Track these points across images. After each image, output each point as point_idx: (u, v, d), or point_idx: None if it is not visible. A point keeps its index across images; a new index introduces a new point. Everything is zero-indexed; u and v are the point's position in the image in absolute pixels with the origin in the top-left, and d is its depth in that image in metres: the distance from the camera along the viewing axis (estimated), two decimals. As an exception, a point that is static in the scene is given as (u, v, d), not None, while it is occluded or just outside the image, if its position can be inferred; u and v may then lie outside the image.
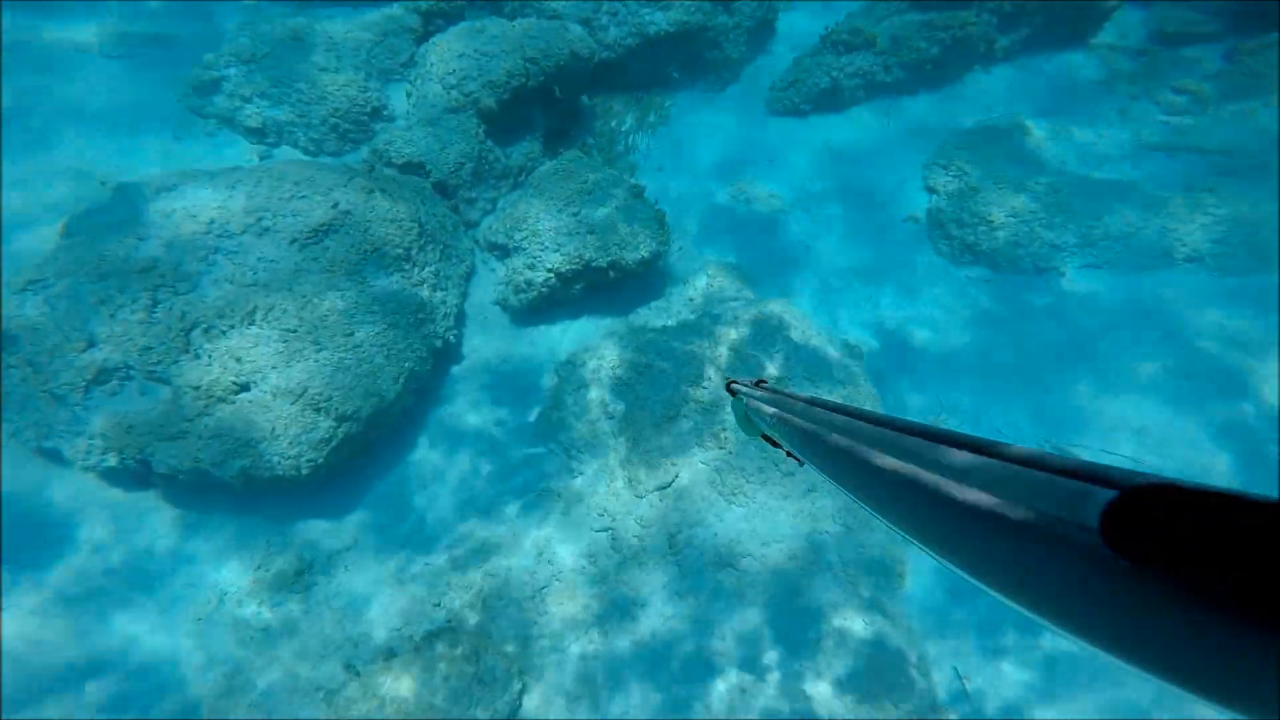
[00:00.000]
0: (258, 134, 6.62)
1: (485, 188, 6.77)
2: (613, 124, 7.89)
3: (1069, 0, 7.86)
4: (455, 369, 6.15)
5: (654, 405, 5.46)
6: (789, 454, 1.08)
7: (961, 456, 0.61)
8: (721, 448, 5.31)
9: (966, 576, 0.59)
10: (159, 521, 4.78)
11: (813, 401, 1.00)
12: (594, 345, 6.16)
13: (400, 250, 5.28)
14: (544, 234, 6.25)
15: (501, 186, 6.90)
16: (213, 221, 4.74)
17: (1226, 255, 6.42)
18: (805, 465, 0.99)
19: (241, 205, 4.93)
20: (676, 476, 5.25)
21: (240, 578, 4.68)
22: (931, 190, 7.17)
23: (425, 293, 5.47)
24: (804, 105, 7.92)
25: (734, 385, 1.35)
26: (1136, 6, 8.58)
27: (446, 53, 6.76)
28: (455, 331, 5.84)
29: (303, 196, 5.05)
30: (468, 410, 5.84)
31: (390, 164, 6.31)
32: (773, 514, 5.11)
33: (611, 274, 6.37)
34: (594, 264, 6.21)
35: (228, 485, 4.38)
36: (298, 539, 4.88)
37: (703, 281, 6.75)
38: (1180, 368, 6.09)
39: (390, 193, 5.43)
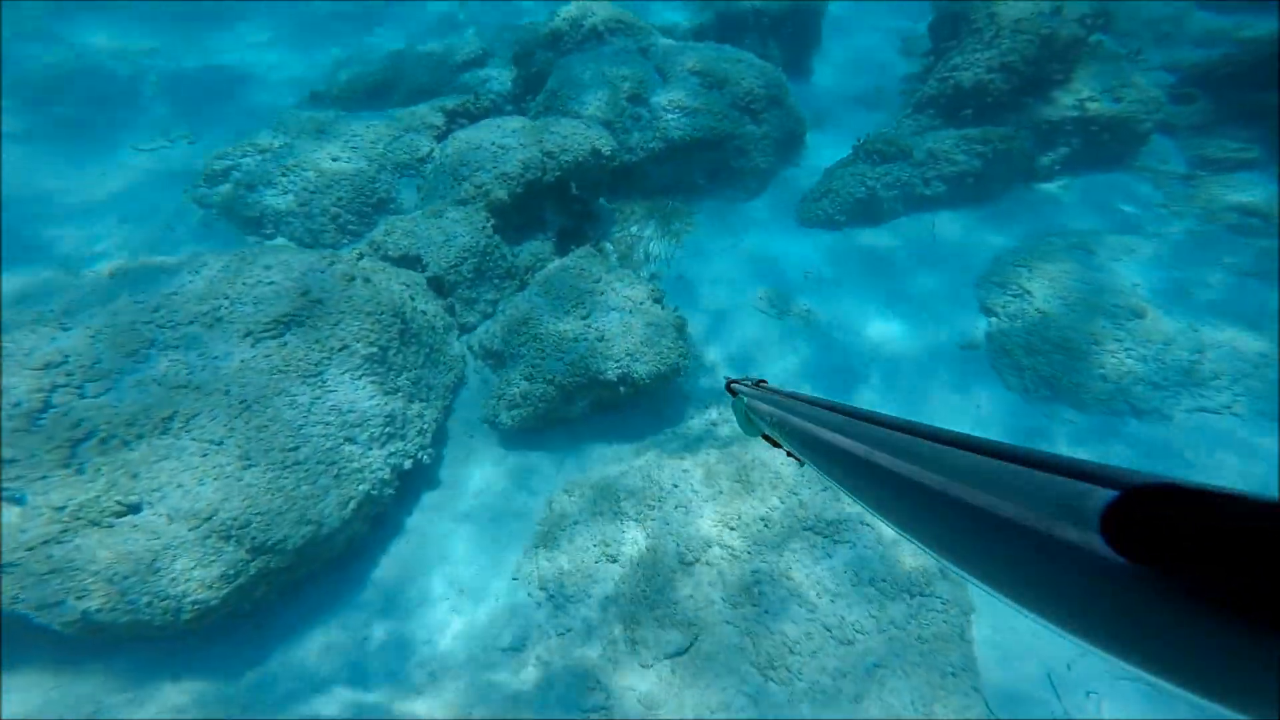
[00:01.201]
0: (254, 224, 6.16)
1: (487, 287, 6.13)
2: (632, 229, 7.40)
3: (1103, 123, 7.47)
4: (428, 495, 5.15)
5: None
6: (789, 454, 1.08)
7: (962, 456, 0.60)
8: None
9: (966, 576, 0.58)
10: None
11: (813, 401, 1.00)
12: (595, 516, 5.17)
13: (374, 350, 4.51)
14: (546, 339, 5.48)
15: (505, 287, 6.27)
16: (157, 310, 4.04)
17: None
18: (805, 465, 0.99)
19: (199, 291, 4.25)
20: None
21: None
22: (989, 312, 6.37)
23: (399, 403, 4.62)
24: (839, 216, 7.40)
25: (734, 385, 1.37)
26: (1164, 135, 8.22)
27: (463, 145, 6.41)
28: (431, 450, 4.92)
29: (270, 282, 4.38)
30: (432, 551, 4.78)
31: (386, 256, 5.74)
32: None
33: (622, 389, 5.52)
34: (602, 376, 5.38)
35: (58, 634, 3.29)
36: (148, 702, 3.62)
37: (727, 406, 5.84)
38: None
39: (374, 283, 4.74)
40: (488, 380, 5.92)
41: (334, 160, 6.17)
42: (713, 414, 5.92)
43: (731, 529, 4.67)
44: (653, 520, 4.86)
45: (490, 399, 5.66)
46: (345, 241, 6.06)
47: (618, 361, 5.44)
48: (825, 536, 4.55)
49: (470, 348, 5.96)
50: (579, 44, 7.84)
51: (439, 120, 7.07)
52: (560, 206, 6.85)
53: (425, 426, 4.86)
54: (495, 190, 6.13)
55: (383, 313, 4.66)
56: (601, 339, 5.50)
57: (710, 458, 5.21)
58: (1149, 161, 7.88)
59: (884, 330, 6.56)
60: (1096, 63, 7.79)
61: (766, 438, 1.21)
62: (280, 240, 5.87)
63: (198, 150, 7.17)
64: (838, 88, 9.63)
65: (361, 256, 5.37)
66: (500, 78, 8.31)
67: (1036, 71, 7.33)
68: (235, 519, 3.48)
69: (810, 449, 0.91)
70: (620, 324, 5.58)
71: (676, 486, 5.10)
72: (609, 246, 7.25)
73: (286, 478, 3.75)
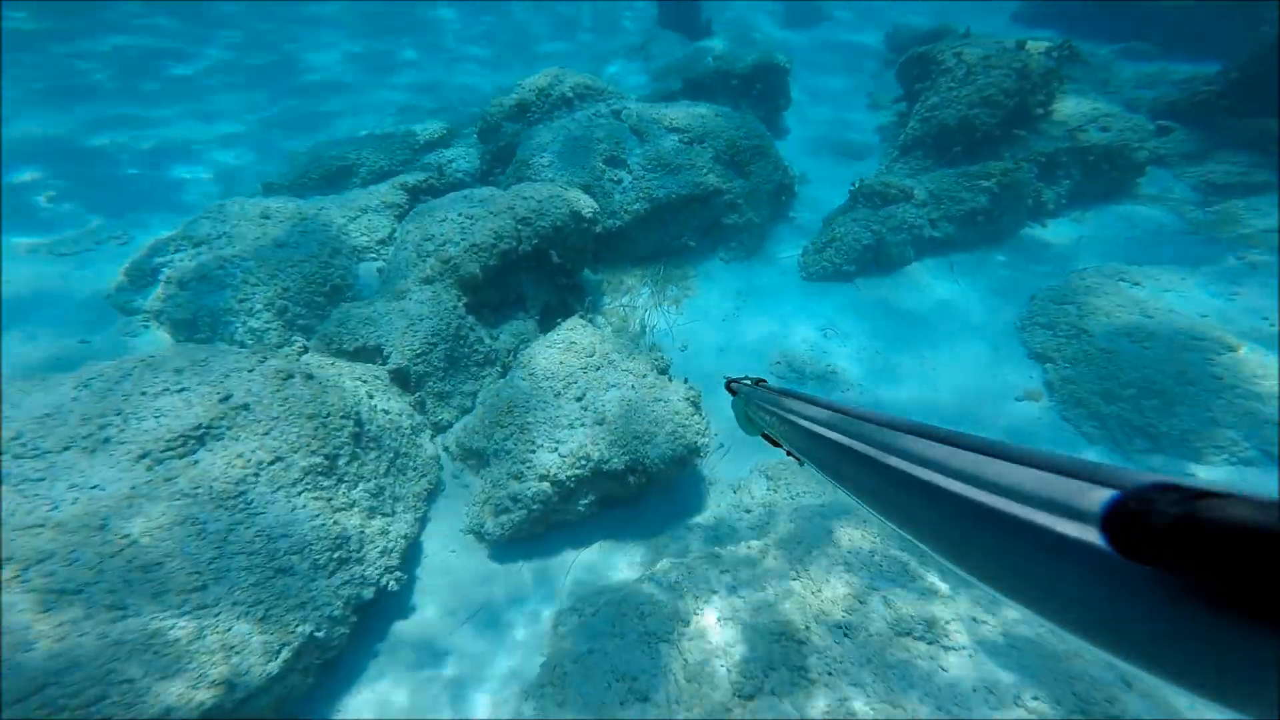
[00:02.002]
0: (186, 328, 5.24)
1: (463, 377, 5.22)
2: (624, 300, 6.66)
3: (1100, 152, 7.13)
4: (400, 626, 3.99)
5: None
6: (789, 453, 1.07)
7: (962, 456, 0.60)
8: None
9: (967, 574, 0.57)
10: None
11: (812, 400, 0.99)
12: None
13: (318, 461, 3.51)
14: (536, 428, 4.54)
15: (485, 376, 5.37)
16: (17, 438, 3.04)
17: None
18: (805, 464, 0.99)
19: (83, 410, 3.26)
20: None
21: None
22: (1043, 358, 5.61)
23: (354, 520, 3.58)
24: (847, 266, 6.77)
25: (734, 384, 1.36)
26: (1156, 166, 7.95)
27: (426, 218, 5.70)
28: (400, 574, 3.82)
29: (180, 389, 3.42)
30: (400, 704, 3.58)
31: (339, 350, 4.83)
32: None
33: (631, 480, 4.54)
34: (607, 467, 4.41)
35: None
36: None
37: (762, 487, 4.88)
38: None
39: (319, 381, 3.81)
40: (470, 485, 4.89)
41: (280, 246, 5.38)
42: (744, 499, 4.92)
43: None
44: (690, 644, 3.75)
45: (473, 506, 4.62)
46: (294, 339, 5.15)
47: (624, 447, 4.50)
48: (930, 643, 3.48)
49: (446, 448, 4.96)
50: (547, 113, 7.41)
51: (400, 199, 6.42)
52: (541, 279, 6.09)
53: (391, 546, 3.79)
54: (465, 264, 5.36)
55: (329, 415, 3.69)
56: (602, 422, 4.58)
57: (753, 551, 4.18)
58: (1152, 191, 7.51)
59: (924, 387, 5.74)
60: (1071, 97, 7.58)
61: (766, 437, 1.21)
62: (218, 345, 4.94)
63: (130, 251, 6.36)
64: (816, 142, 9.37)
65: (305, 350, 4.45)
66: (467, 156, 7.80)
67: (1020, 103, 7.04)
68: None
69: (810, 447, 0.90)
70: (623, 402, 4.68)
71: (715, 594, 4.03)
72: (601, 320, 6.47)
73: (180, 629, 2.64)
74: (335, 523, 3.40)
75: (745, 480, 5.15)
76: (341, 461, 3.69)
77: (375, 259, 6.02)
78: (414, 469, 4.44)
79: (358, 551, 3.50)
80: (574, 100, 7.41)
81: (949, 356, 5.99)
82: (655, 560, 4.57)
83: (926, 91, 7.67)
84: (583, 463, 4.47)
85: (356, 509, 3.67)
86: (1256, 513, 0.35)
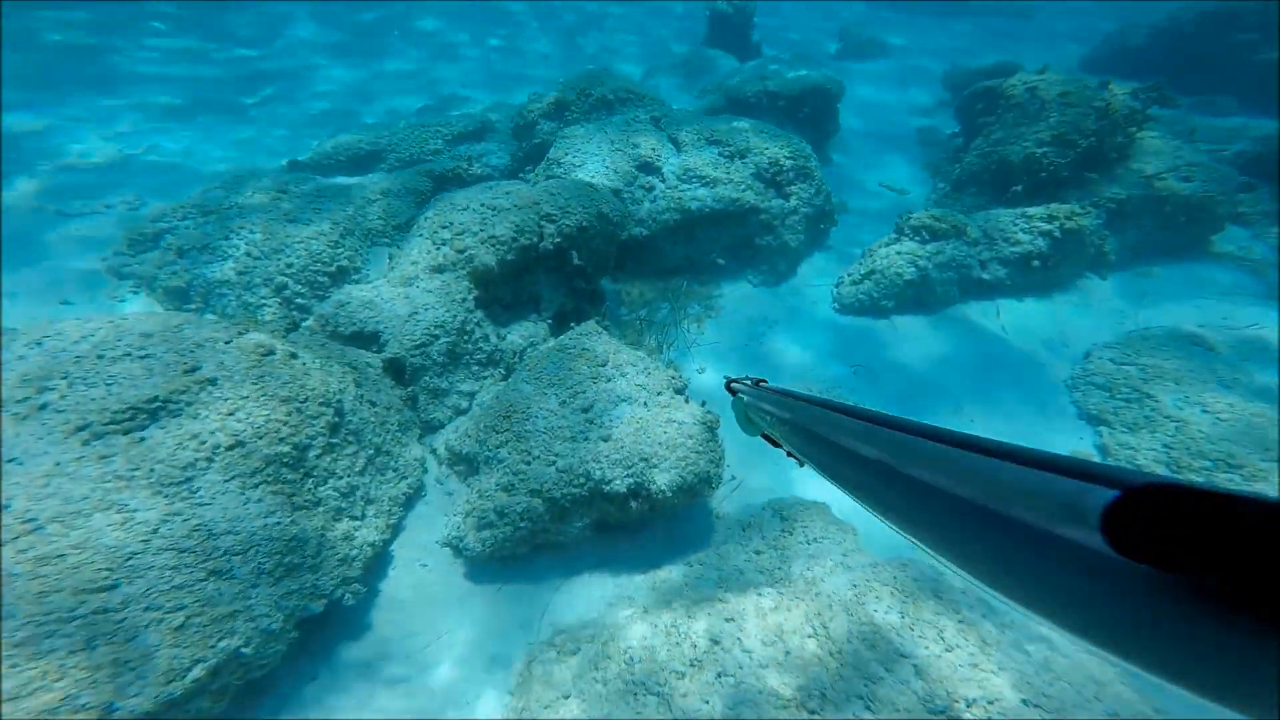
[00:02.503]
0: (178, 296, 4.96)
1: (462, 375, 4.84)
2: (642, 313, 6.27)
3: (1179, 203, 6.60)
4: (349, 648, 3.54)
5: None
6: (789, 454, 1.05)
7: (963, 456, 0.59)
8: None
9: (967, 575, 0.56)
10: None
11: (811, 400, 0.98)
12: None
13: (286, 450, 3.13)
14: (534, 438, 4.12)
15: (486, 376, 4.99)
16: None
17: None
18: (805, 465, 0.97)
19: (31, 367, 2.93)
20: None
21: None
22: (1100, 421, 5.06)
23: (316, 521, 3.18)
24: (885, 301, 6.30)
25: (734, 385, 1.34)
26: (1234, 224, 7.40)
27: (447, 205, 5.39)
28: (359, 587, 3.40)
29: (143, 355, 3.07)
30: None
31: (335, 333, 4.50)
32: None
33: (634, 505, 4.09)
34: (608, 488, 3.97)
35: None
36: None
37: (774, 528, 4.39)
38: None
39: (302, 362, 3.45)
40: (454, 492, 4.48)
41: (289, 220, 5.10)
42: (754, 540, 4.43)
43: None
44: (683, 700, 3.26)
45: (455, 516, 4.21)
46: (290, 317, 4.83)
47: (629, 468, 4.05)
48: (953, 752, 2.94)
49: (434, 450, 4.57)
50: (585, 114, 7.14)
51: (424, 185, 6.14)
52: (559, 282, 5.73)
53: (353, 554, 3.37)
54: (481, 255, 5.02)
55: (307, 400, 3.32)
56: (607, 439, 4.15)
57: (764, 601, 3.67)
58: (1229, 249, 6.95)
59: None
60: (1149, 144, 7.08)
61: (766, 437, 1.17)
62: (208, 318, 4.64)
63: (140, 217, 6.16)
64: (861, 173, 8.97)
65: (294, 327, 4.11)
66: (498, 152, 7.55)
67: (1096, 145, 6.56)
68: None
69: (810, 448, 0.89)
70: (632, 420, 4.25)
71: (718, 644, 3.54)
72: (615, 331, 6.08)
73: (76, 634, 2.23)
74: (293, 523, 3.00)
75: (757, 518, 4.66)
76: (313, 454, 3.31)
77: (389, 244, 5.72)
78: (394, 470, 4.04)
79: (313, 558, 3.08)
80: (614, 103, 7.13)
81: (988, 409, 5.46)
82: (651, 597, 4.10)
83: (990, 126, 7.25)
84: (581, 481, 4.04)
85: (321, 509, 3.27)
86: (1257, 512, 0.34)
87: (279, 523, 2.94)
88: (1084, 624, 0.46)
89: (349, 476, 3.54)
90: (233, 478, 2.88)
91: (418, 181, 6.12)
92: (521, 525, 4.04)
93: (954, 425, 4.78)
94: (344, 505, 3.47)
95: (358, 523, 3.52)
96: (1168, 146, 6.95)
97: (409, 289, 4.72)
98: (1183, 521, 0.38)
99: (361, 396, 3.88)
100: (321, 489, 3.33)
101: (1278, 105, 8.98)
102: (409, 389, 4.50)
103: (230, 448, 2.92)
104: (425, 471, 4.48)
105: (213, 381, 3.04)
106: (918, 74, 12.76)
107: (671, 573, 4.33)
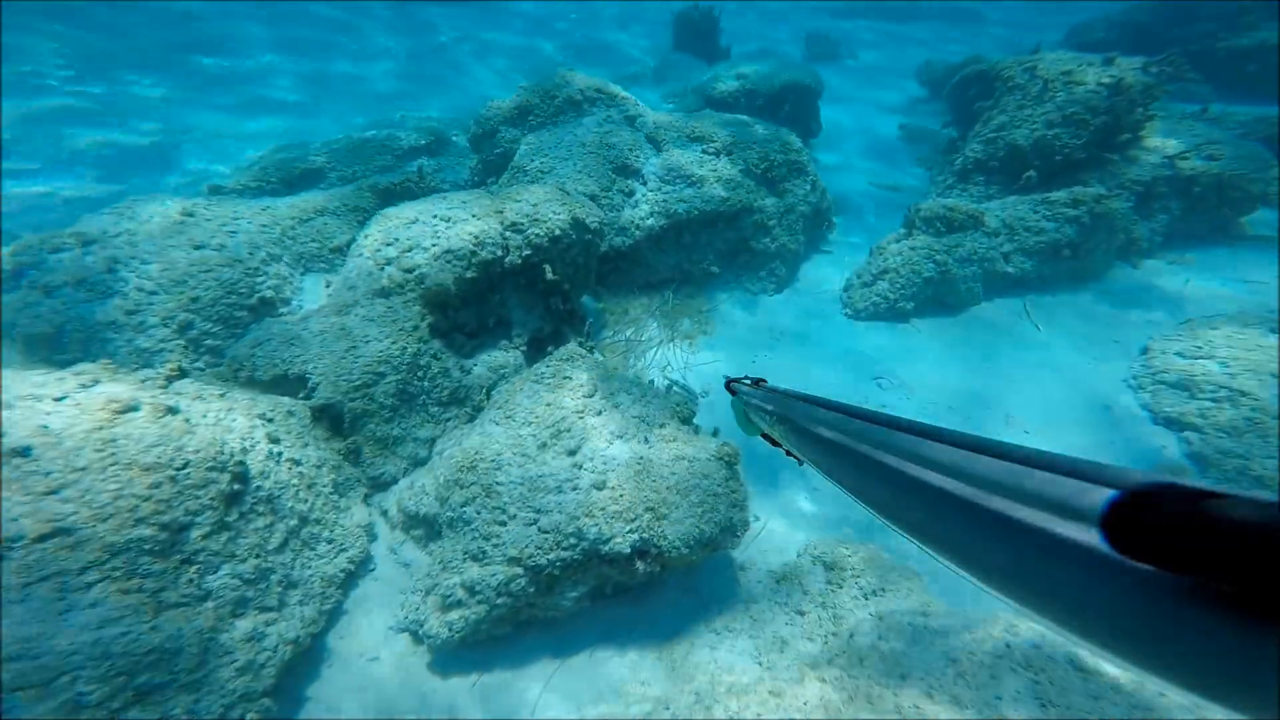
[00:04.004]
0: (46, 343, 3.91)
1: (419, 419, 3.94)
2: (628, 333, 5.45)
3: (1207, 184, 6.06)
4: None
5: None
6: (788, 453, 1.06)
7: (963, 456, 0.58)
8: None
9: (966, 574, 0.56)
10: None
11: (811, 400, 0.97)
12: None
13: (150, 532, 2.19)
14: (508, 490, 3.24)
15: (449, 418, 4.09)
16: None
17: None
18: (804, 464, 0.98)
19: None
20: None
21: None
22: (1180, 424, 4.34)
23: (199, 621, 2.23)
24: (904, 303, 5.58)
25: (734, 385, 1.35)
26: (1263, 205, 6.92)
27: (392, 221, 4.55)
28: (268, 703, 2.45)
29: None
30: None
31: (252, 379, 3.57)
32: None
33: (640, 567, 3.20)
34: (606, 549, 3.09)
35: None
36: None
37: (818, 580, 3.54)
38: None
39: (185, 418, 2.54)
40: (411, 563, 3.54)
41: (196, 248, 4.19)
42: (795, 596, 3.56)
43: None
44: None
45: (413, 594, 3.27)
46: (198, 365, 3.89)
47: (632, 521, 3.18)
48: None
49: (384, 513, 3.63)
50: (551, 117, 6.41)
51: (366, 201, 5.30)
52: (532, 302, 4.89)
53: (261, 659, 2.43)
54: (434, 274, 4.17)
55: (186, 466, 2.40)
56: (602, 486, 3.27)
57: (830, 690, 2.77)
58: (1262, 231, 6.41)
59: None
60: (1162, 121, 6.59)
61: (766, 436, 1.19)
62: (83, 365, 3.67)
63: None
64: (849, 172, 8.38)
65: (180, 374, 3.19)
66: (456, 166, 6.76)
67: (1111, 123, 6.01)
68: None
69: (810, 447, 0.90)
70: (632, 460, 3.38)
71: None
72: (600, 357, 5.25)
73: None
74: (153, 629, 2.06)
75: (794, 568, 3.79)
76: (197, 534, 2.37)
77: (328, 270, 4.84)
78: (329, 541, 3.10)
79: (191, 672, 2.14)
80: (583, 104, 6.43)
81: (1044, 419, 4.72)
82: (671, 682, 3.20)
83: (989, 111, 6.70)
84: (572, 541, 3.15)
85: (209, 604, 2.33)
86: (1257, 513, 0.34)
87: (126, 633, 1.99)
88: (1084, 623, 0.45)
89: (257, 557, 2.60)
90: (48, 576, 1.94)
91: (360, 198, 5.28)
92: (499, 603, 3.13)
93: (1007, 437, 4.00)
94: (250, 595, 2.52)
95: (271, 615, 2.57)
96: (1181, 126, 6.45)
97: (345, 319, 3.83)
98: (1182, 522, 0.38)
99: (279, 455, 2.96)
100: (211, 578, 2.39)
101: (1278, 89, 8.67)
102: (349, 440, 3.58)
103: (40, 539, 1.98)
104: (373, 539, 3.54)
105: (23, 452, 2.11)
106: (888, 74, 12.44)
107: (693, 647, 3.44)
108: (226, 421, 2.75)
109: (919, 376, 5.11)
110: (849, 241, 6.73)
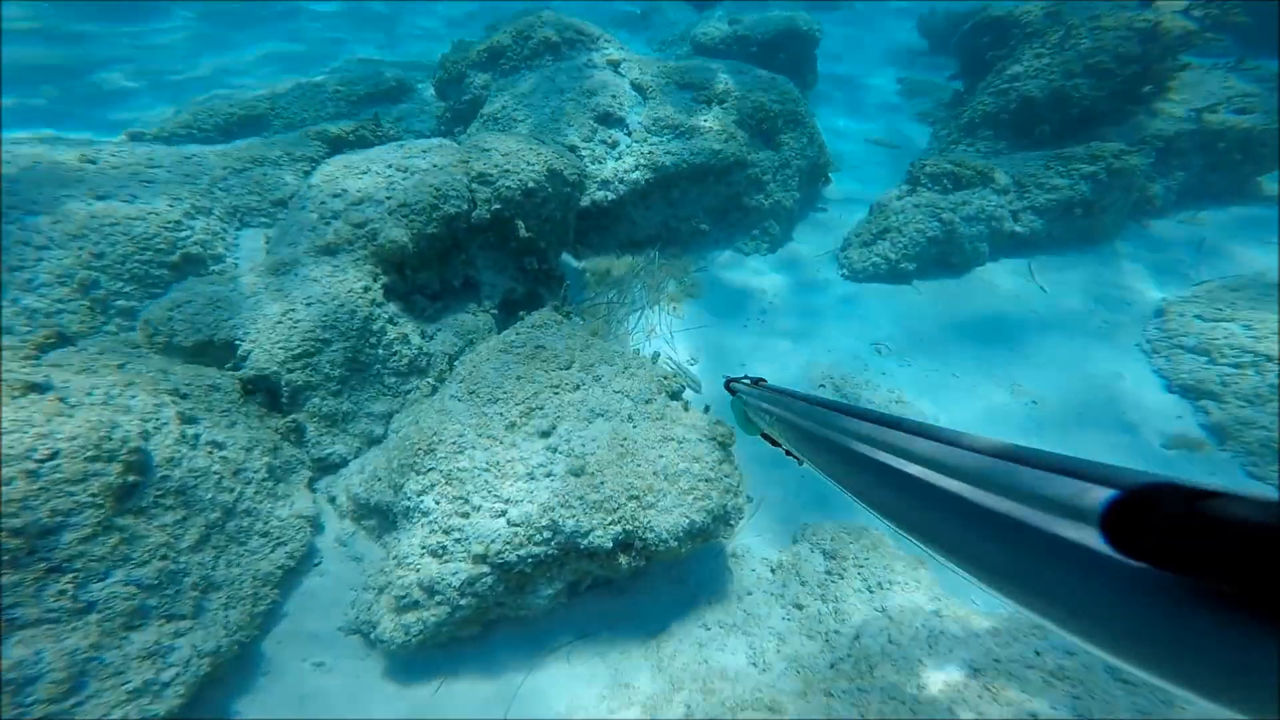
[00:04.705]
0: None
1: (373, 392, 3.48)
2: (611, 295, 4.99)
3: (1234, 139, 5.65)
4: None
5: None
6: (788, 453, 1.04)
7: (962, 455, 0.59)
8: None
9: (965, 573, 0.56)
10: None
11: (811, 399, 0.97)
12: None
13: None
14: (472, 477, 2.82)
15: (409, 390, 3.64)
16: None
17: None
18: (804, 463, 0.96)
19: None
20: None
21: None
22: (1197, 393, 4.03)
23: (78, 639, 1.80)
24: (905, 264, 5.18)
25: (733, 384, 1.33)
26: None
27: (341, 169, 4.00)
28: None
29: None
30: None
31: (170, 344, 3.07)
32: None
33: (624, 561, 2.84)
34: (585, 542, 2.71)
35: None
36: None
37: (818, 567, 3.21)
38: None
39: (54, 392, 2.06)
40: (363, 556, 3.13)
41: (99, 199, 3.61)
42: (792, 588, 3.22)
43: None
44: None
45: (366, 592, 2.87)
46: (108, 328, 3.36)
47: (614, 512, 2.79)
48: None
49: (332, 500, 3.20)
50: (526, 60, 5.81)
51: (315, 150, 4.71)
52: (504, 261, 4.40)
53: (167, 675, 2.04)
54: (389, 230, 3.66)
55: (55, 456, 1.93)
56: (580, 472, 2.86)
57: (836, 705, 2.44)
58: (1275, 189, 6.06)
59: (1024, 430, 4.12)
60: (1190, 73, 6.13)
61: (765, 436, 1.16)
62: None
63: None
64: (848, 126, 7.87)
65: (56, 342, 2.68)
66: (420, 115, 6.14)
67: (1141, 73, 5.55)
68: None
69: (809, 447, 0.89)
70: (614, 441, 2.97)
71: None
72: (579, 321, 4.79)
73: None
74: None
75: (791, 556, 3.46)
76: (71, 537, 1.93)
77: (269, 224, 4.29)
78: (262, 535, 2.67)
79: (57, 701, 1.72)
80: (561, 46, 5.82)
81: (1050, 386, 4.40)
82: (659, 682, 2.87)
83: (1002, 61, 6.20)
84: (546, 535, 2.75)
85: (94, 616, 1.90)
86: (1257, 512, 0.34)
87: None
88: (1083, 623, 0.45)
89: (163, 559, 2.17)
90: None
91: (307, 146, 4.68)
92: (462, 604, 2.74)
93: (1013, 406, 3.58)
94: (152, 603, 2.11)
95: (183, 624, 2.16)
96: (1210, 77, 6.02)
97: (283, 279, 3.32)
98: (1182, 521, 0.37)
99: (195, 438, 2.50)
100: (96, 588, 1.96)
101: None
102: (289, 417, 3.12)
103: None
104: (320, 531, 3.11)
105: None
106: (886, 26, 11.80)
107: (683, 644, 3.10)
108: (123, 399, 2.28)
109: (920, 342, 4.75)
110: (846, 200, 6.28)
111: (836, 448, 0.79)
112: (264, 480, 2.72)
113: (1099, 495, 0.43)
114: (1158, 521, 0.39)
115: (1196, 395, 4.03)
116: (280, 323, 3.13)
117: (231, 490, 2.50)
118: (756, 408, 1.17)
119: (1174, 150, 5.62)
